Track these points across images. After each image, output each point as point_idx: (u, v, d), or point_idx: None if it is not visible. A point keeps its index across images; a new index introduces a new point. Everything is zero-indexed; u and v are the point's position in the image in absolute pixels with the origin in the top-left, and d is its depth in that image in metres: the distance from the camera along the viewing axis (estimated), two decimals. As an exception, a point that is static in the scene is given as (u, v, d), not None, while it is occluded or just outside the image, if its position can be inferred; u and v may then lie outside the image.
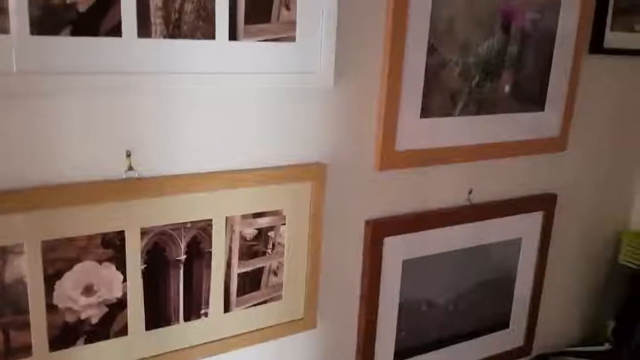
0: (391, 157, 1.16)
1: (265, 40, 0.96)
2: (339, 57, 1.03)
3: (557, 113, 1.39)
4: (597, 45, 1.41)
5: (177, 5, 0.87)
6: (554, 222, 1.49)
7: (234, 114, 0.98)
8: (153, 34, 0.86)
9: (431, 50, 1.14)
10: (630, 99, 1.58)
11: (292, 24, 0.97)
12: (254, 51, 0.95)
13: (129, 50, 0.85)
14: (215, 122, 0.96)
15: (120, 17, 0.83)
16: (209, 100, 0.95)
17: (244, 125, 0.99)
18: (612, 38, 1.43)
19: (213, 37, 0.91)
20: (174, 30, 0.87)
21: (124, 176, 0.90)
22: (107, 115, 0.87)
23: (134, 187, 0.90)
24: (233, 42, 0.93)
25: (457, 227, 1.31)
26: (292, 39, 0.98)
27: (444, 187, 1.28)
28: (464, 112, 1.24)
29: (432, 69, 1.16)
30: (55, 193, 0.84)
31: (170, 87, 0.90)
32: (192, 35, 0.89)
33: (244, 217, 1.02)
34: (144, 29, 0.85)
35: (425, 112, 1.18)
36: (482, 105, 1.26)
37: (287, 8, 0.96)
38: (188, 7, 0.88)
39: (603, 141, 1.56)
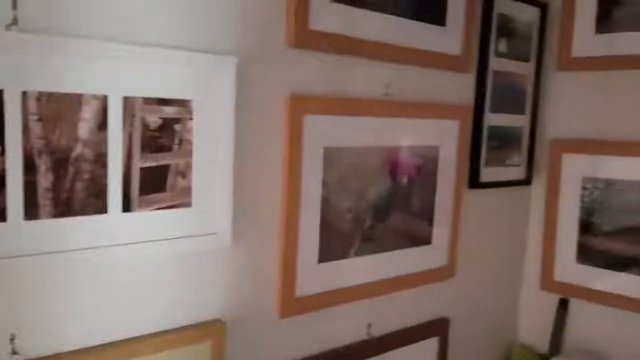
0: (292, 304, 1.18)
1: (161, 209, 0.96)
2: (236, 214, 1.06)
3: (443, 244, 1.48)
4: (474, 181, 1.55)
5: (67, 184, 0.86)
6: (448, 346, 1.55)
7: (127, 282, 0.95)
8: (41, 215, 0.84)
9: (325, 201, 1.20)
10: (507, 224, 1.72)
11: (188, 191, 0.99)
12: (149, 221, 0.95)
13: (14, 233, 0.81)
14: (108, 292, 0.93)
15: (5, 203, 0.80)
16: (102, 272, 0.92)
17: (139, 292, 0.97)
18: (487, 173, 1.58)
19: (105, 212, 0.90)
20: (64, 208, 0.86)
21: (5, 362, 0.84)
22: (-13, 302, 0.82)
23: (15, 374, 0.84)
24: (127, 214, 0.92)
25: (358, 364, 1.33)
26: (188, 204, 0.99)
27: (344, 325, 1.30)
28: (359, 253, 1.29)
29: (327, 218, 1.21)
30: None
31: (59, 265, 0.87)
32: (83, 212, 0.87)
33: (139, 388, 0.97)
34: (31, 211, 0.83)
35: (323, 257, 1.22)
36: (376, 245, 1.32)
37: (183, 176, 0.98)
38: (79, 185, 0.87)
39: (487, 264, 1.68)
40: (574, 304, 1.69)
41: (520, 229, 1.78)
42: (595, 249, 1.63)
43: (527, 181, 1.71)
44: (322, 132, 1.17)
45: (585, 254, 1.64)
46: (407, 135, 1.34)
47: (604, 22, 1.59)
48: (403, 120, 1.33)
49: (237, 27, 1.03)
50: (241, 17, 1.03)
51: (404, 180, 1.36)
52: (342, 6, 1.16)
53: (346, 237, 1.26)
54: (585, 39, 1.63)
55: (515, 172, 1.68)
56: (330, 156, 1.20)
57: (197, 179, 1.00)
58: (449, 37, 1.40)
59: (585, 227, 1.64)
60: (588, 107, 1.65)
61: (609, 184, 1.59)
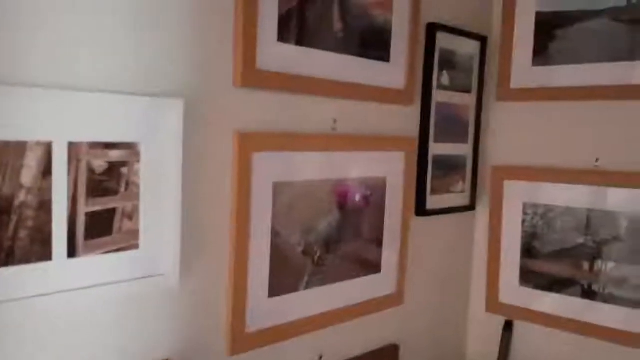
0: (242, 341, 1.18)
1: (107, 252, 0.95)
2: (185, 254, 1.06)
3: (392, 272, 1.52)
4: (421, 208, 1.59)
5: (10, 233, 0.84)
6: (399, 371, 1.58)
7: (74, 328, 0.94)
8: (-19, 267, 0.82)
9: (275, 235, 1.22)
10: (453, 249, 1.78)
11: (135, 233, 0.99)
12: (95, 265, 0.94)
13: (-48, 285, 0.80)
14: (54, 339, 0.92)
15: (-57, 257, 0.78)
16: (47, 320, 0.91)
17: (86, 337, 0.96)
18: (433, 200, 1.63)
19: (50, 259, 0.89)
20: (7, 257, 0.84)
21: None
22: None
23: None
24: (72, 260, 0.91)
25: (310, 396, 1.34)
26: (135, 247, 0.99)
27: (295, 358, 1.32)
28: (309, 286, 1.31)
29: (277, 252, 1.22)
30: None
31: (2, 316, 0.85)
32: (26, 260, 0.86)
33: None
34: (-29, 262, 0.81)
35: (273, 292, 1.23)
36: (326, 277, 1.34)
37: (130, 218, 0.98)
38: (23, 233, 0.86)
39: (435, 289, 1.72)
40: (519, 326, 1.75)
41: (466, 253, 1.84)
42: (536, 271, 1.70)
43: (471, 207, 1.78)
44: (271, 168, 1.19)
45: (528, 277, 1.71)
46: (355, 168, 1.38)
47: (541, 55, 1.68)
48: (351, 153, 1.36)
49: (183, 69, 1.04)
50: (188, 59, 1.04)
51: (353, 211, 1.39)
52: (289, 46, 1.19)
53: (297, 270, 1.28)
54: (523, 71, 1.71)
55: (460, 199, 1.74)
56: (280, 191, 1.22)
57: (145, 221, 1.00)
58: (394, 73, 1.44)
59: (527, 250, 1.71)
60: (527, 135, 1.73)
61: (548, 209, 1.67)
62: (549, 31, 1.66)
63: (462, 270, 1.83)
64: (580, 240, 1.61)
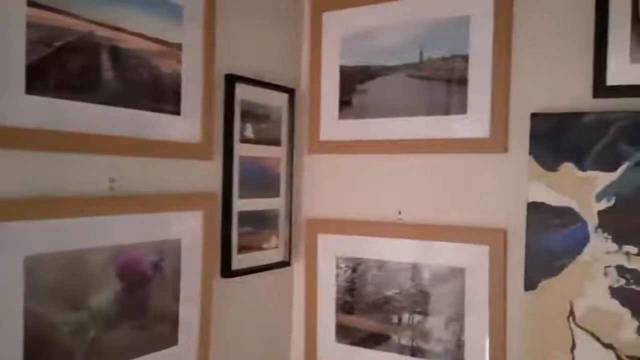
0: None
1: None
2: None
3: (192, 343, 1.38)
4: (226, 269, 1.49)
5: None
6: None
7: None
8: None
9: (30, 315, 1.03)
10: (269, 309, 1.69)
11: None
12: None
13: None
14: None
15: None
16: None
17: None
18: (242, 259, 1.53)
19: None
20: None
21: None
22: None
23: None
24: None
25: None
26: None
27: None
28: (82, 371, 1.13)
29: (34, 335, 1.04)
30: None
31: None
32: None
33: None
34: None
35: (30, 385, 1.04)
36: (105, 357, 1.18)
37: None
38: None
39: (250, 355, 1.61)
40: (337, 385, 1.69)
41: (284, 312, 1.76)
42: (351, 327, 1.66)
43: (287, 263, 1.71)
44: (23, 239, 1.02)
45: (343, 332, 1.67)
46: (140, 232, 1.24)
47: (346, 108, 1.68)
48: (133, 216, 1.23)
49: None
50: None
51: (139, 280, 1.24)
52: (43, 98, 1.04)
53: (64, 355, 1.10)
54: (331, 124, 1.71)
55: (275, 255, 1.67)
56: (36, 265, 1.04)
57: None
58: (186, 126, 1.35)
59: (342, 306, 1.67)
60: (339, 188, 1.71)
61: (359, 263, 1.64)
62: (352, 85, 1.68)
63: (281, 330, 1.75)
64: (389, 293, 1.60)
